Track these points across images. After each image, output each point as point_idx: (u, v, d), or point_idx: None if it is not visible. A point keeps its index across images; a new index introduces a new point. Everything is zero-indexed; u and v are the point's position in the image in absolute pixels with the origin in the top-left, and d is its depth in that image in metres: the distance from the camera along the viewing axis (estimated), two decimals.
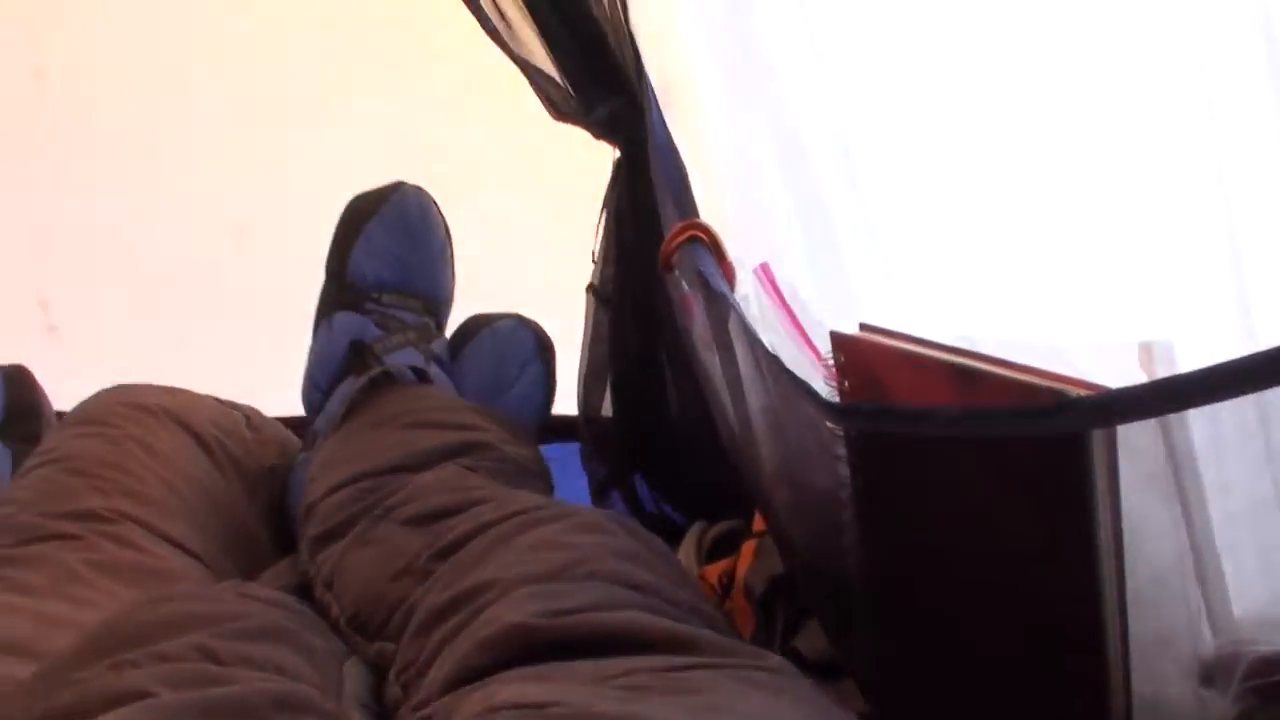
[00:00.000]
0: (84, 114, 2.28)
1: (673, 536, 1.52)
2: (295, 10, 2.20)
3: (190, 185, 2.29)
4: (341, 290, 1.69)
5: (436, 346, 1.71)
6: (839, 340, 0.78)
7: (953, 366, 0.74)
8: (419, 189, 1.73)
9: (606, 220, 1.55)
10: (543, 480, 1.54)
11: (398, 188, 1.72)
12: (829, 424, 0.79)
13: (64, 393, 1.85)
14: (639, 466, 1.68)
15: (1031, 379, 0.71)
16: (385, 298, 1.67)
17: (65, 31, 2.27)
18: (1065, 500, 0.71)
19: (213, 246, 2.29)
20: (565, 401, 1.77)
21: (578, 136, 1.58)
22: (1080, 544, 0.71)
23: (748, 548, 1.38)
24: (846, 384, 0.78)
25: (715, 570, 1.42)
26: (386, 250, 1.69)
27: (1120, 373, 0.74)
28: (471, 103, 2.15)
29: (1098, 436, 0.69)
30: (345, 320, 1.67)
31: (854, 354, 0.77)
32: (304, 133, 2.24)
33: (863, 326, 0.80)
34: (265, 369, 1.85)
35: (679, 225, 1.10)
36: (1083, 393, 0.70)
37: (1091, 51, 0.77)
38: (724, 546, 1.50)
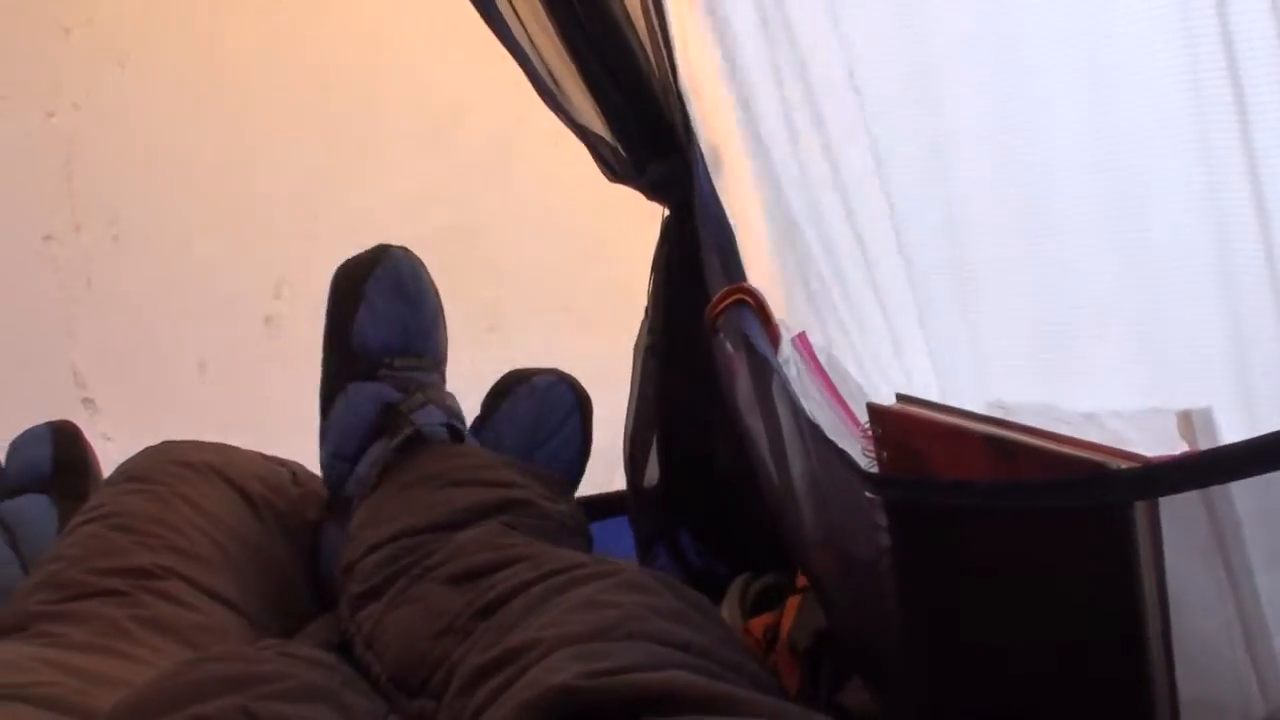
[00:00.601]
0: (112, 191, 2.32)
1: (717, 590, 1.52)
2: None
3: (221, 260, 2.33)
4: (350, 361, 1.69)
5: (450, 402, 1.71)
6: (876, 412, 0.78)
7: (991, 438, 0.73)
8: (405, 250, 1.73)
9: (655, 279, 1.56)
10: (582, 536, 1.54)
11: (384, 251, 1.72)
12: (868, 493, 0.79)
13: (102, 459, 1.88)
14: (684, 520, 1.67)
15: (1070, 450, 0.71)
16: (396, 362, 1.67)
17: (90, 114, 2.31)
18: (1109, 570, 0.71)
19: (246, 323, 2.33)
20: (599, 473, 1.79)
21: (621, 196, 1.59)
22: (1126, 613, 0.71)
23: (792, 602, 1.37)
24: (885, 455, 0.77)
25: (759, 624, 1.41)
26: (388, 315, 1.69)
27: (1159, 440, 0.74)
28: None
29: (1140, 508, 0.68)
30: (363, 389, 1.67)
31: (892, 425, 0.77)
32: (336, 204, 2.27)
33: (899, 397, 0.79)
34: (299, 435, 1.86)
35: (725, 288, 1.11)
36: (1123, 464, 0.69)
37: (1124, 111, 0.76)
38: (768, 600, 1.49)
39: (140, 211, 2.36)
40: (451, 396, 1.73)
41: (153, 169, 2.35)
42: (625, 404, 1.69)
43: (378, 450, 1.64)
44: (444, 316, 1.75)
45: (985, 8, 0.79)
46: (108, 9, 2.29)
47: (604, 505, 1.82)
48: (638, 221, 1.63)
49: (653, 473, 1.65)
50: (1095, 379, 0.80)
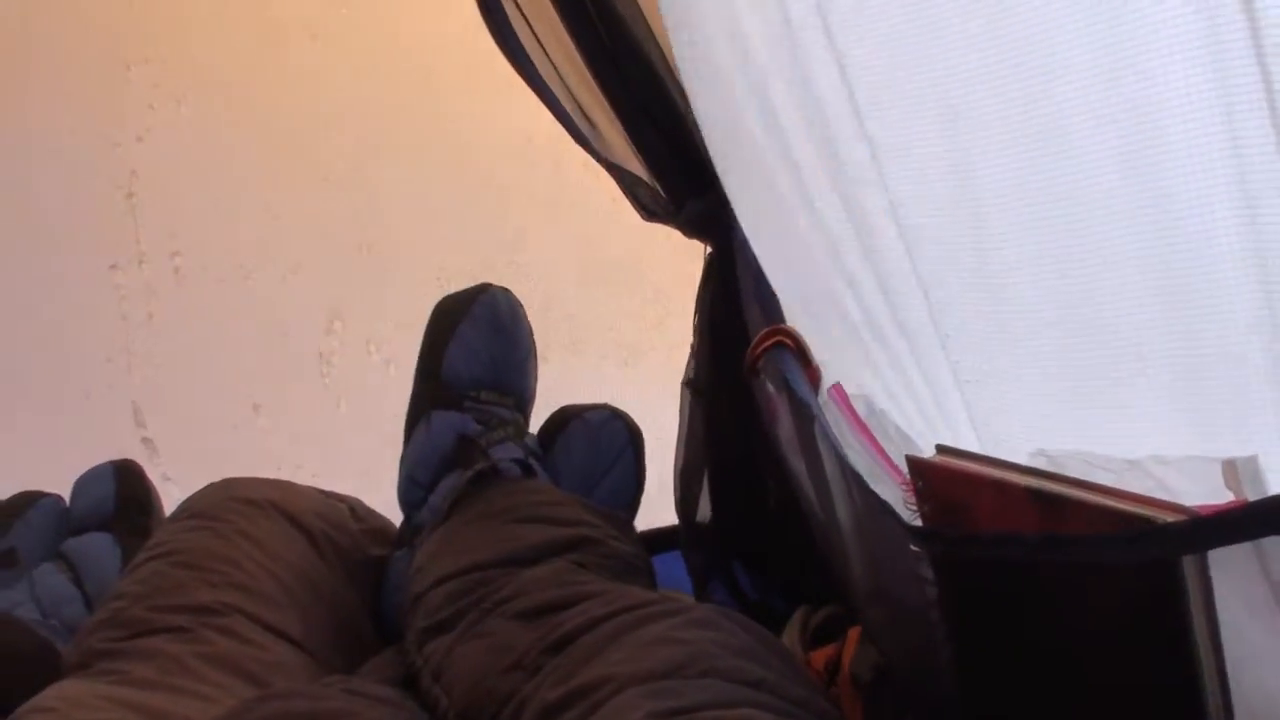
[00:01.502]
0: (174, 222, 2.36)
1: (774, 623, 1.52)
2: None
3: (276, 294, 2.35)
4: (437, 389, 1.73)
5: (529, 442, 1.73)
6: (917, 465, 0.78)
7: (1035, 490, 0.73)
8: (506, 290, 1.77)
9: (699, 316, 1.56)
10: (649, 576, 1.55)
11: (485, 289, 1.76)
12: (913, 547, 0.79)
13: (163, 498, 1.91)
14: (738, 554, 1.67)
15: (1115, 503, 0.70)
16: (482, 395, 1.70)
17: (153, 147, 2.35)
18: (1160, 626, 0.70)
19: (298, 362, 2.35)
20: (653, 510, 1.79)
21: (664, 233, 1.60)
22: (1180, 668, 0.70)
23: (853, 633, 1.36)
24: (927, 508, 0.77)
25: (820, 656, 1.41)
26: (480, 350, 1.73)
27: (1206, 488, 0.73)
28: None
29: (1189, 562, 0.68)
30: (444, 418, 1.70)
31: (933, 478, 0.77)
32: (388, 239, 2.29)
33: (939, 449, 0.79)
34: (352, 471, 1.89)
35: (764, 330, 1.11)
36: (1170, 517, 0.69)
37: (1159, 140, 0.75)
38: (828, 631, 1.48)
39: (200, 243, 2.39)
40: (532, 437, 1.76)
41: (212, 201, 2.39)
42: (674, 436, 1.69)
43: (452, 480, 1.66)
44: (536, 360, 1.79)
45: (1005, 40, 0.78)
46: (168, 46, 2.33)
47: (656, 539, 1.83)
48: (684, 255, 1.65)
49: (705, 507, 1.65)
50: (1136, 423, 0.79)
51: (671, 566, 1.74)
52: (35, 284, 2.33)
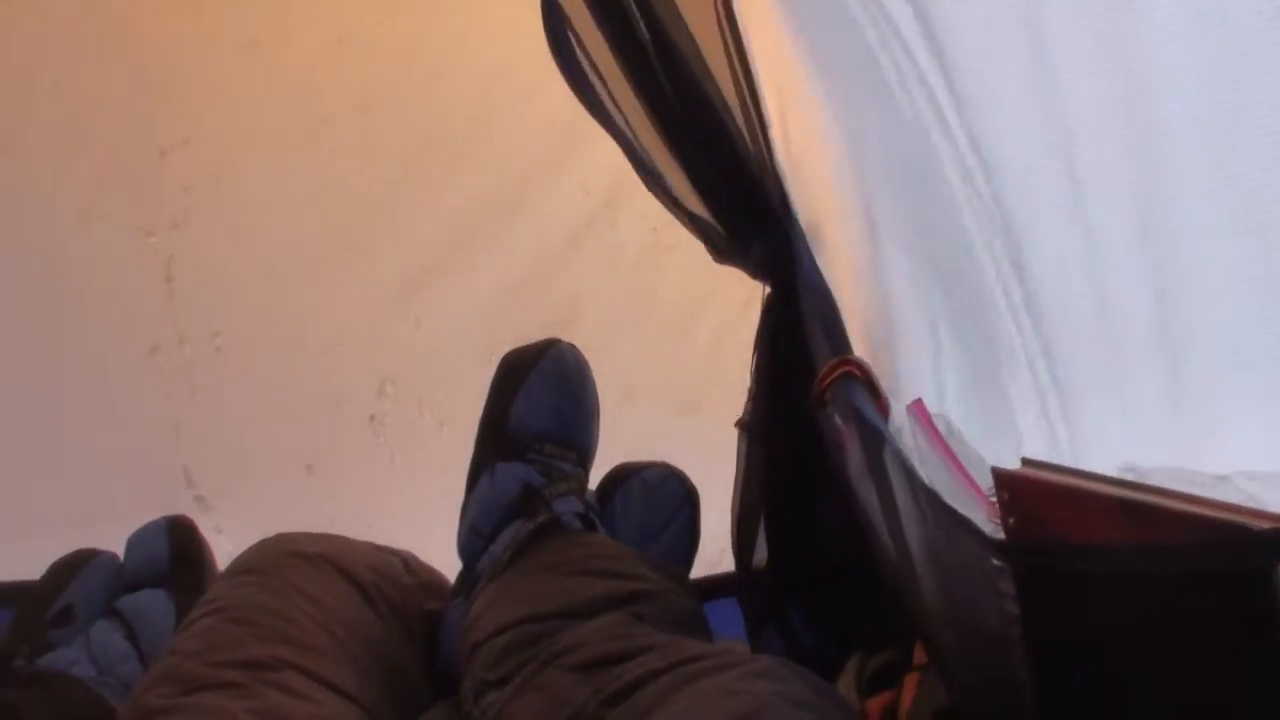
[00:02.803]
0: (213, 303, 2.38)
1: (829, 669, 1.50)
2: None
3: (324, 363, 2.37)
4: (502, 441, 1.74)
5: (589, 497, 1.74)
6: (1002, 477, 0.76)
7: (1123, 501, 0.72)
8: (573, 346, 1.79)
9: (758, 357, 1.56)
10: (705, 631, 1.54)
11: (554, 344, 1.78)
12: (995, 561, 0.77)
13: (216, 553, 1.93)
14: (794, 600, 1.66)
15: (1206, 511, 0.69)
16: (547, 448, 1.70)
17: (189, 231, 2.38)
18: (1253, 636, 0.68)
19: (351, 423, 2.37)
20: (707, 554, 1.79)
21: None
22: (1272, 684, 0.68)
23: (910, 680, 1.35)
24: (1011, 521, 0.76)
25: (877, 704, 1.39)
26: (547, 403, 1.74)
27: None
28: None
29: None
30: (509, 469, 1.71)
31: (1018, 490, 0.76)
32: (436, 302, 2.31)
33: (1025, 462, 0.78)
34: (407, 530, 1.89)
35: (832, 361, 1.11)
36: (1263, 525, 0.67)
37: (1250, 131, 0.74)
38: (884, 679, 1.46)
39: (241, 320, 2.41)
40: (592, 493, 1.77)
41: (252, 279, 2.41)
42: (729, 484, 1.69)
43: (514, 531, 1.66)
44: (599, 416, 1.80)
45: (1122, 86, 0.77)
46: (202, 129, 2.36)
47: (712, 587, 1.82)
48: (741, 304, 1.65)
49: (760, 553, 1.64)
50: (1233, 434, 0.78)
51: (726, 613, 1.73)
52: (79, 368, 2.35)
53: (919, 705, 1.29)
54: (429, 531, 1.82)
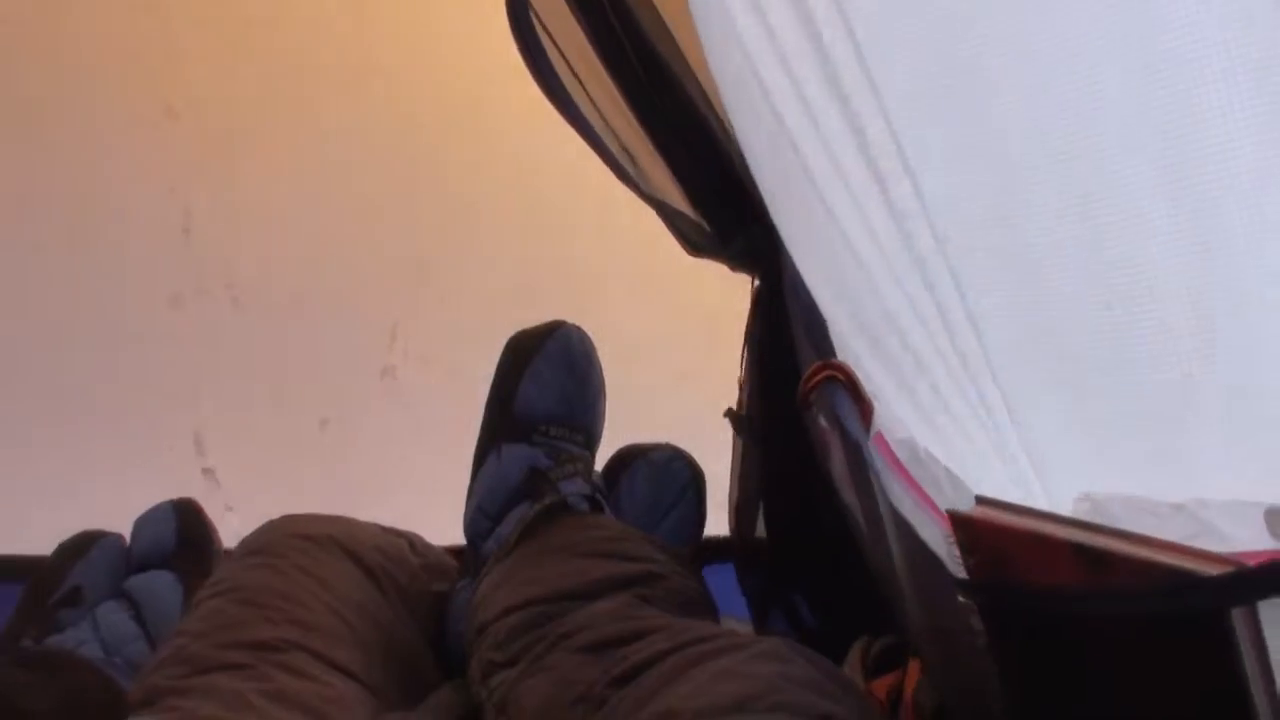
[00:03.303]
0: (231, 256, 2.39)
1: (834, 651, 1.51)
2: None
3: (336, 315, 2.38)
4: (508, 422, 1.74)
5: (596, 479, 1.74)
6: (957, 519, 0.76)
7: (1076, 545, 0.72)
8: (579, 328, 1.78)
9: (748, 350, 1.55)
10: (712, 612, 1.55)
11: (560, 325, 1.77)
12: (960, 597, 0.78)
13: (223, 531, 1.95)
14: (795, 583, 1.66)
15: (1158, 555, 0.68)
16: (552, 430, 1.71)
17: (206, 185, 2.38)
18: (1215, 680, 0.68)
19: (364, 377, 2.38)
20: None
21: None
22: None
23: (914, 663, 1.35)
24: (972, 560, 0.76)
25: (882, 685, 1.40)
26: (553, 385, 1.74)
27: (1252, 533, 0.71)
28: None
29: (1239, 615, 0.66)
30: (515, 450, 1.71)
31: (974, 531, 0.76)
32: (445, 256, 2.31)
33: (979, 500, 0.78)
34: (419, 490, 1.90)
35: (815, 365, 1.10)
36: (1215, 569, 0.67)
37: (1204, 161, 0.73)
38: (890, 660, 1.47)
39: (258, 275, 2.43)
40: (599, 475, 1.78)
41: (267, 232, 2.42)
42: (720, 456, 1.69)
43: (520, 512, 1.67)
44: (605, 398, 1.80)
45: (1052, 90, 0.76)
46: (219, 85, 2.36)
47: (716, 550, 1.83)
48: (735, 280, 1.64)
49: (760, 534, 1.65)
50: (1187, 462, 0.77)
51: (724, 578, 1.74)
52: (97, 322, 2.38)
53: (924, 688, 1.30)
54: (439, 490, 1.83)
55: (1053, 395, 0.82)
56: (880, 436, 0.89)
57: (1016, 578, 0.75)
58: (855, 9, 0.81)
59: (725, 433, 1.75)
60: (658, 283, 2.29)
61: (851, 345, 0.98)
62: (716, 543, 1.86)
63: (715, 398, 1.72)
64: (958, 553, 0.77)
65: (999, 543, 0.75)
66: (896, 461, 0.86)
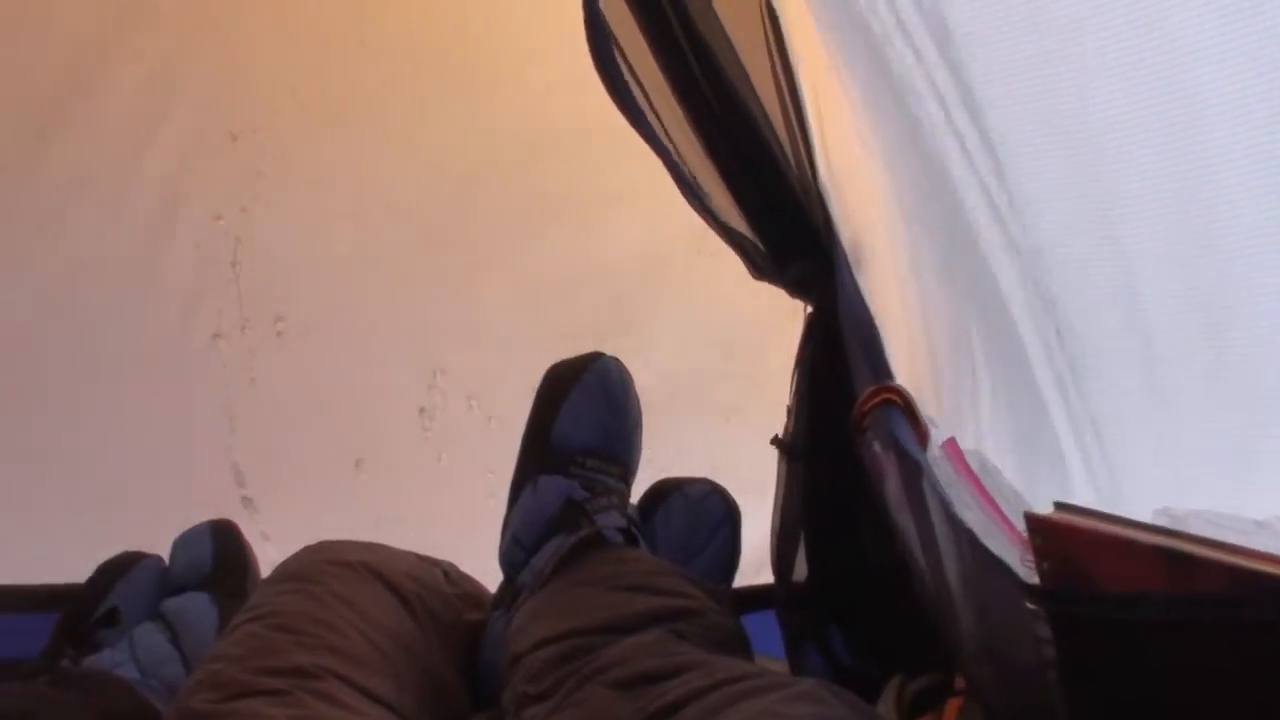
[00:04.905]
0: (277, 289, 2.41)
1: (869, 690, 1.49)
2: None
3: (377, 353, 2.39)
4: (544, 454, 1.74)
5: (631, 511, 1.74)
6: (1035, 522, 0.75)
7: (1158, 548, 0.70)
8: (617, 360, 1.79)
9: (799, 377, 1.55)
10: (746, 649, 1.53)
11: (598, 357, 1.78)
12: (1030, 605, 0.76)
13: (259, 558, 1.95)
14: (834, 619, 1.65)
15: (1244, 561, 0.67)
16: (589, 462, 1.70)
17: (256, 217, 2.40)
18: None
19: (401, 415, 2.38)
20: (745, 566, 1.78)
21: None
22: None
23: (952, 705, 1.34)
24: (1046, 566, 0.75)
25: None
26: (590, 417, 1.74)
27: None
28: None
29: None
30: (551, 482, 1.71)
31: (1051, 535, 0.75)
32: (488, 296, 2.32)
33: (1058, 505, 0.77)
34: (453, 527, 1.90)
35: (872, 388, 1.09)
36: None
37: None
38: (925, 701, 1.45)
39: (302, 308, 2.44)
40: (634, 507, 1.77)
41: (314, 267, 2.43)
42: (770, 499, 1.68)
43: (556, 544, 1.66)
44: (642, 430, 1.80)
45: (1156, 108, 0.75)
46: (272, 117, 2.38)
47: (751, 598, 1.81)
48: (780, 318, 1.64)
49: (801, 570, 1.63)
50: (1270, 482, 0.76)
51: (764, 626, 1.72)
52: (142, 353, 2.38)
53: None
54: (476, 528, 1.83)
55: (1140, 412, 0.81)
56: (953, 444, 0.88)
57: (1092, 585, 0.74)
58: None
59: (762, 471, 1.73)
60: (702, 320, 2.30)
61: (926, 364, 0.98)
62: (752, 592, 1.85)
63: (756, 436, 1.71)
64: (1030, 558, 0.76)
65: (1075, 547, 0.74)
66: (968, 469, 0.85)
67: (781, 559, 1.66)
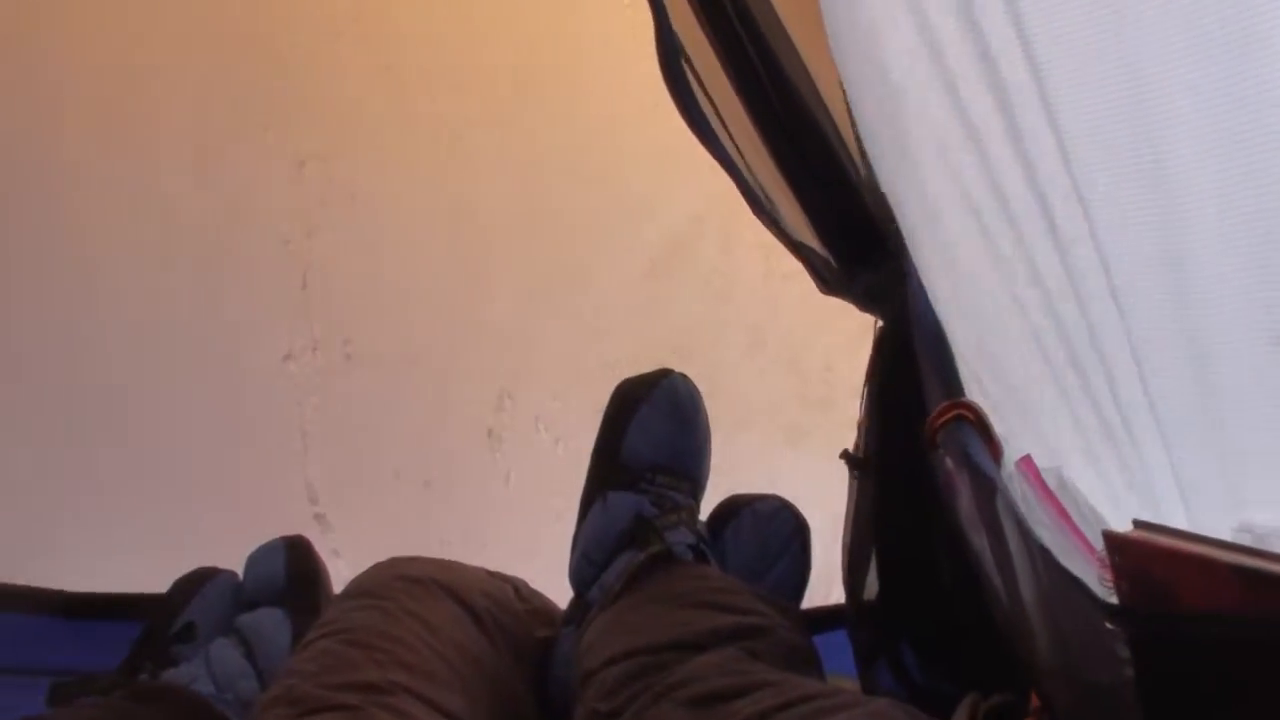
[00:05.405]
0: (346, 312, 2.43)
1: (941, 708, 1.47)
2: None
3: (445, 375, 2.41)
4: (615, 470, 1.74)
5: (700, 528, 1.73)
6: (1113, 540, 0.74)
7: (1237, 567, 0.69)
8: (685, 377, 1.79)
9: (869, 391, 1.54)
10: (818, 669, 1.53)
11: (667, 374, 1.79)
12: (1109, 625, 0.75)
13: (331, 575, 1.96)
14: (906, 635, 1.63)
15: None
16: (658, 478, 1.70)
17: (324, 241, 2.43)
18: None
19: (469, 436, 2.40)
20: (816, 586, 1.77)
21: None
22: None
23: None
24: (1125, 584, 0.74)
25: None
26: (660, 433, 1.75)
27: None
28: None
29: None
30: (621, 498, 1.72)
31: (1130, 554, 0.73)
32: (556, 319, 2.34)
33: (1137, 524, 0.76)
34: (519, 547, 1.91)
35: (943, 404, 1.08)
36: None
37: None
38: None
39: (371, 330, 2.47)
40: (703, 524, 1.76)
41: (382, 291, 2.46)
42: (841, 515, 1.67)
43: (626, 560, 1.66)
44: (710, 447, 1.80)
45: (1223, 103, 0.74)
46: (340, 143, 2.42)
47: (821, 618, 1.80)
48: (854, 333, 1.64)
49: (872, 586, 1.62)
50: None
51: (834, 646, 1.71)
52: (214, 374, 2.43)
53: None
54: (544, 549, 1.83)
55: (1209, 429, 0.80)
56: (1029, 461, 0.87)
57: (1173, 605, 0.73)
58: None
59: (830, 489, 1.72)
60: (771, 340, 2.30)
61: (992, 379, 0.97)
62: (823, 612, 1.84)
63: (824, 454, 1.70)
64: (1109, 578, 0.75)
65: (1155, 566, 0.73)
66: (1044, 487, 0.84)
67: (853, 576, 1.65)
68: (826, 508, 1.71)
